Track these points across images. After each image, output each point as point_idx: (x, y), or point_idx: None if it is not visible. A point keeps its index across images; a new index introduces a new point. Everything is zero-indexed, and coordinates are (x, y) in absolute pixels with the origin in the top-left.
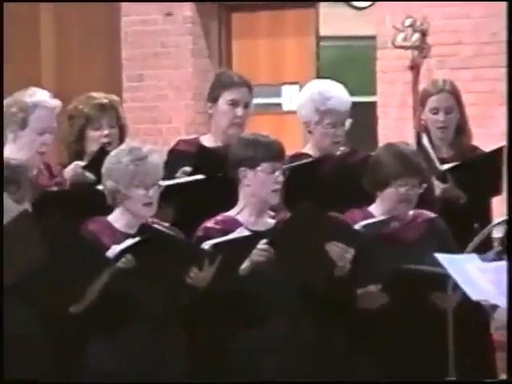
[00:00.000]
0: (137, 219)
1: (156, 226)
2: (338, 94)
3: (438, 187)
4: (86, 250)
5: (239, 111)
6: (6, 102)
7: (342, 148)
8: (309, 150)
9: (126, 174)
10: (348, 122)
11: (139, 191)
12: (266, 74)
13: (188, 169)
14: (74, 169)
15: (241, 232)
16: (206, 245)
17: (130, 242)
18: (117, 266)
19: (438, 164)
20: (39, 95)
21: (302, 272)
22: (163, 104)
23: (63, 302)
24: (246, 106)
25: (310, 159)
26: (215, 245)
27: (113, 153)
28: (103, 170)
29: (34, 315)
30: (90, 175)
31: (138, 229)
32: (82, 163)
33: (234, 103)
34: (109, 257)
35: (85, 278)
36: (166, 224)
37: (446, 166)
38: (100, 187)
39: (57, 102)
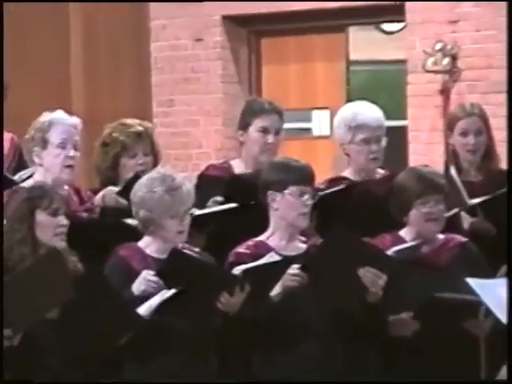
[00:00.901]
0: (168, 245)
1: (186, 251)
2: (368, 110)
3: (467, 220)
4: (117, 303)
5: (270, 138)
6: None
7: (381, 171)
8: (348, 173)
9: (161, 205)
10: (384, 140)
11: (174, 221)
12: (296, 99)
13: (219, 198)
14: (107, 194)
15: (271, 257)
16: (237, 270)
17: (166, 295)
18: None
19: (466, 197)
20: (55, 114)
21: (335, 297)
22: (193, 129)
23: (92, 345)
24: (277, 132)
25: (342, 186)
26: (246, 270)
27: (144, 181)
28: (135, 198)
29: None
30: (122, 201)
31: (168, 254)
32: (115, 188)
33: (264, 130)
34: (141, 315)
35: (114, 330)
36: (197, 249)
37: (476, 201)
38: (129, 221)
39: (75, 119)
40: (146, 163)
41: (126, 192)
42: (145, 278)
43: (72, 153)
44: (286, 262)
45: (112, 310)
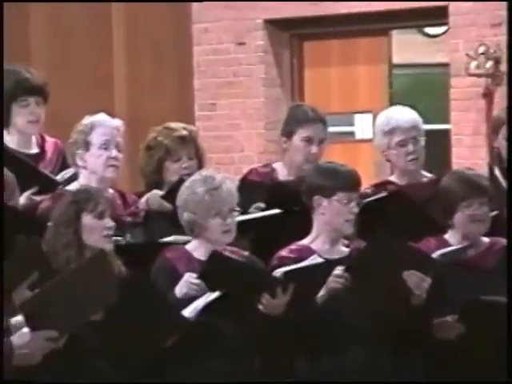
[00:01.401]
0: (215, 247)
1: (226, 253)
2: (400, 113)
3: None
4: (162, 304)
5: (314, 149)
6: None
7: (428, 175)
8: (393, 177)
9: (203, 205)
10: (422, 140)
11: (217, 220)
12: (339, 103)
13: (262, 205)
14: (152, 197)
15: (314, 259)
16: (279, 272)
17: (210, 297)
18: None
19: None
20: (97, 116)
21: (379, 300)
22: (235, 133)
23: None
24: (321, 142)
25: (385, 193)
26: (288, 272)
27: (187, 183)
28: (179, 201)
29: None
30: (167, 204)
31: (208, 256)
32: (160, 192)
33: (308, 140)
34: (186, 317)
35: (160, 333)
36: (246, 253)
37: None
38: (169, 239)
39: (118, 121)
40: (191, 167)
41: (170, 196)
42: (187, 281)
43: (114, 153)
44: (329, 264)
45: (157, 311)
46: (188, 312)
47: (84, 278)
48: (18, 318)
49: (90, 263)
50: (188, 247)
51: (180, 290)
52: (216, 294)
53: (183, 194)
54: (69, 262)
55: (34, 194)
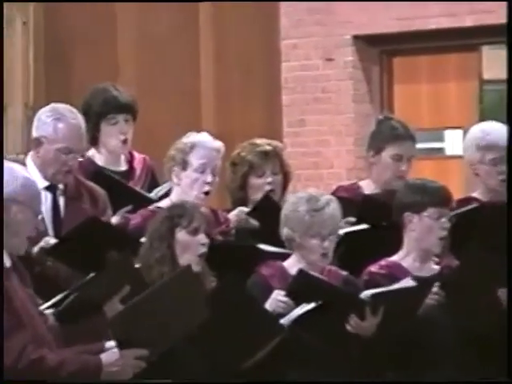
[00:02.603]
0: (312, 267)
1: (312, 273)
2: (498, 129)
3: None
4: (258, 315)
5: (403, 166)
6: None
7: None
8: (477, 194)
9: (302, 224)
10: None
11: (314, 241)
12: (429, 119)
13: (352, 219)
14: (237, 214)
15: (406, 282)
16: (369, 293)
17: (304, 308)
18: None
19: None
20: (199, 136)
21: (473, 317)
22: (324, 149)
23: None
24: (410, 159)
25: (475, 205)
26: (379, 294)
27: (292, 199)
28: (282, 215)
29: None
30: (253, 222)
31: (295, 274)
32: (246, 209)
33: (398, 158)
34: (282, 324)
35: (256, 342)
36: (344, 273)
37: None
38: (262, 246)
39: (218, 143)
40: (275, 182)
41: (256, 212)
42: (274, 299)
43: (210, 179)
44: (421, 286)
45: (254, 319)
46: (283, 320)
47: (171, 294)
48: (112, 343)
49: (177, 279)
50: (286, 263)
51: (269, 306)
52: (311, 306)
53: (286, 209)
54: (162, 278)
55: (129, 212)
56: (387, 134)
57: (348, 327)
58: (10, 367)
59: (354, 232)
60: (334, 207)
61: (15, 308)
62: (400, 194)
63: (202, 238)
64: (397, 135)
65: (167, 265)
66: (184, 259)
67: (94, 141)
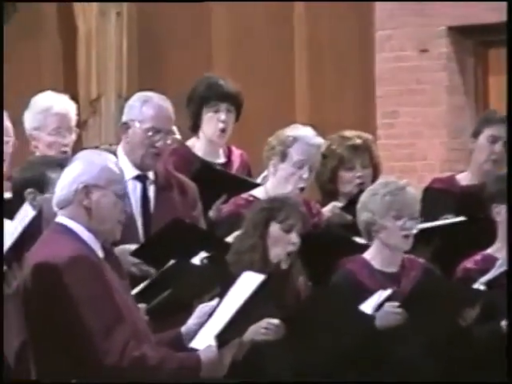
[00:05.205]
0: (394, 254)
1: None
2: None
3: None
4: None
5: (497, 148)
6: (271, 138)
7: None
8: None
9: (383, 205)
10: None
11: (396, 223)
12: None
13: (450, 216)
14: (331, 209)
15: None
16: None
17: (384, 295)
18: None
19: None
20: (302, 130)
21: None
22: (418, 141)
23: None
24: (505, 143)
25: None
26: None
27: (369, 187)
28: (358, 205)
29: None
30: (347, 216)
31: (411, 289)
32: (339, 204)
33: (493, 139)
34: (369, 315)
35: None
36: (422, 261)
37: None
38: (357, 239)
39: (319, 140)
40: (365, 176)
41: (350, 207)
42: (388, 312)
43: (306, 174)
44: None
45: (344, 316)
46: (364, 308)
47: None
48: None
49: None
50: (366, 255)
51: (380, 321)
52: (389, 292)
53: (364, 196)
54: (252, 265)
55: (224, 202)
56: (486, 118)
57: (461, 321)
58: (112, 367)
59: (451, 225)
60: (413, 189)
61: (114, 301)
62: (489, 186)
63: (293, 237)
64: (494, 118)
65: (258, 253)
66: (274, 252)
67: (195, 128)
